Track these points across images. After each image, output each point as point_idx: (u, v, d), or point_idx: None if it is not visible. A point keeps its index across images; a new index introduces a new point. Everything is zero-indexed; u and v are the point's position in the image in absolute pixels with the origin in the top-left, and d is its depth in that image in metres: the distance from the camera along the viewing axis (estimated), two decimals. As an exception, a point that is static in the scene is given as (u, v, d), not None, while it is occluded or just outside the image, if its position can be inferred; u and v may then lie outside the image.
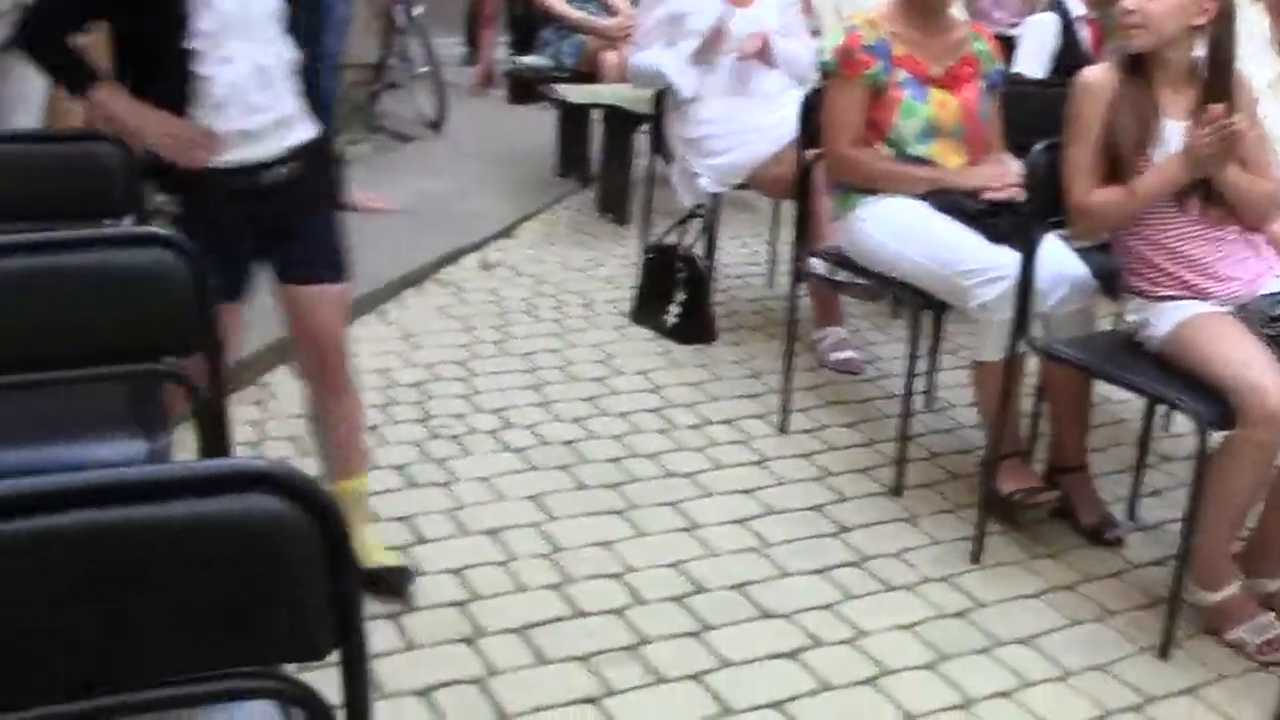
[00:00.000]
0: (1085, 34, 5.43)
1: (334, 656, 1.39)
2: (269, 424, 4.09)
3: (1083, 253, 3.66)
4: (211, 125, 2.79)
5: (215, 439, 2.32)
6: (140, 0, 2.72)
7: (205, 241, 2.72)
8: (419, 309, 5.21)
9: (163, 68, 2.76)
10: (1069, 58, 5.31)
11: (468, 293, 5.44)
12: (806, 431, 4.27)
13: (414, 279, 5.46)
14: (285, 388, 4.34)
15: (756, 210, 6.58)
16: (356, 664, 1.41)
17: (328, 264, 3.06)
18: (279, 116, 2.88)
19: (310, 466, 3.48)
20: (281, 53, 2.86)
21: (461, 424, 4.17)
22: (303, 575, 1.31)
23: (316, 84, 3.03)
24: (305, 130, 2.95)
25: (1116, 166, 3.27)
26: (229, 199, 2.85)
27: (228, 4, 2.74)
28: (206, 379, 2.28)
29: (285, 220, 2.95)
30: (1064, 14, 5.43)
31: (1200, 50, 3.28)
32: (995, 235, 3.65)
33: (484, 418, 4.23)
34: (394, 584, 3.15)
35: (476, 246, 5.93)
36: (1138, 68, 3.29)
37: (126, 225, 2.84)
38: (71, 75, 2.89)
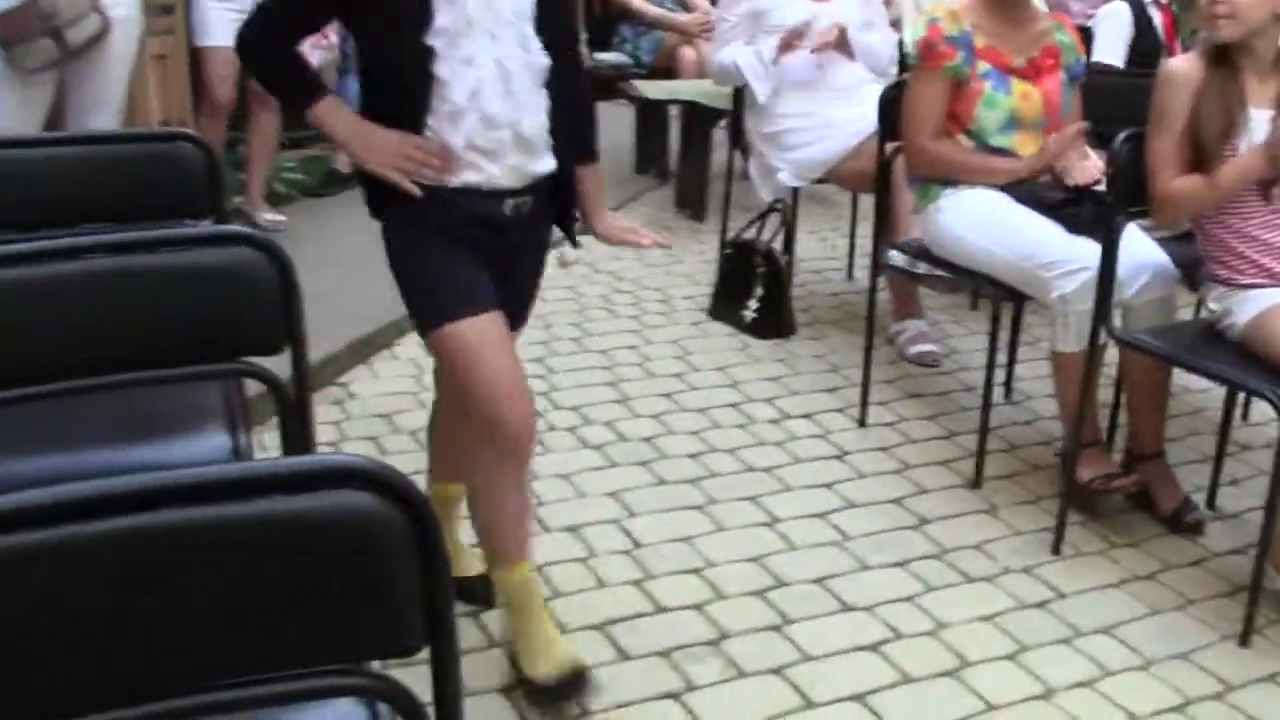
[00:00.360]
0: (1158, 20, 5.39)
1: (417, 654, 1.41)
2: (348, 424, 4.14)
3: (1163, 242, 3.64)
4: (446, 138, 2.53)
5: (299, 438, 2.35)
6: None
7: (434, 255, 2.60)
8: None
9: (398, 69, 2.52)
10: (1144, 45, 5.29)
11: (545, 290, 5.41)
12: (886, 425, 4.26)
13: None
14: (365, 387, 4.40)
15: (835, 204, 6.57)
16: (448, 661, 1.41)
17: (518, 313, 2.83)
18: (521, 134, 2.58)
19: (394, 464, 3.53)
20: (530, 58, 2.58)
21: (540, 421, 4.19)
22: (395, 572, 1.32)
23: (572, 96, 2.72)
24: (549, 159, 2.67)
25: (1201, 156, 3.25)
26: (461, 224, 2.59)
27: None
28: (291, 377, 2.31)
29: (506, 258, 2.70)
30: (1136, 2, 5.39)
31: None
32: (1076, 225, 3.63)
33: (563, 415, 4.26)
34: (479, 591, 3.12)
35: (554, 244, 5.92)
36: (1223, 57, 3.26)
37: (208, 225, 2.85)
38: (290, 89, 2.70)
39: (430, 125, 2.53)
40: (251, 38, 2.62)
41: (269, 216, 5.71)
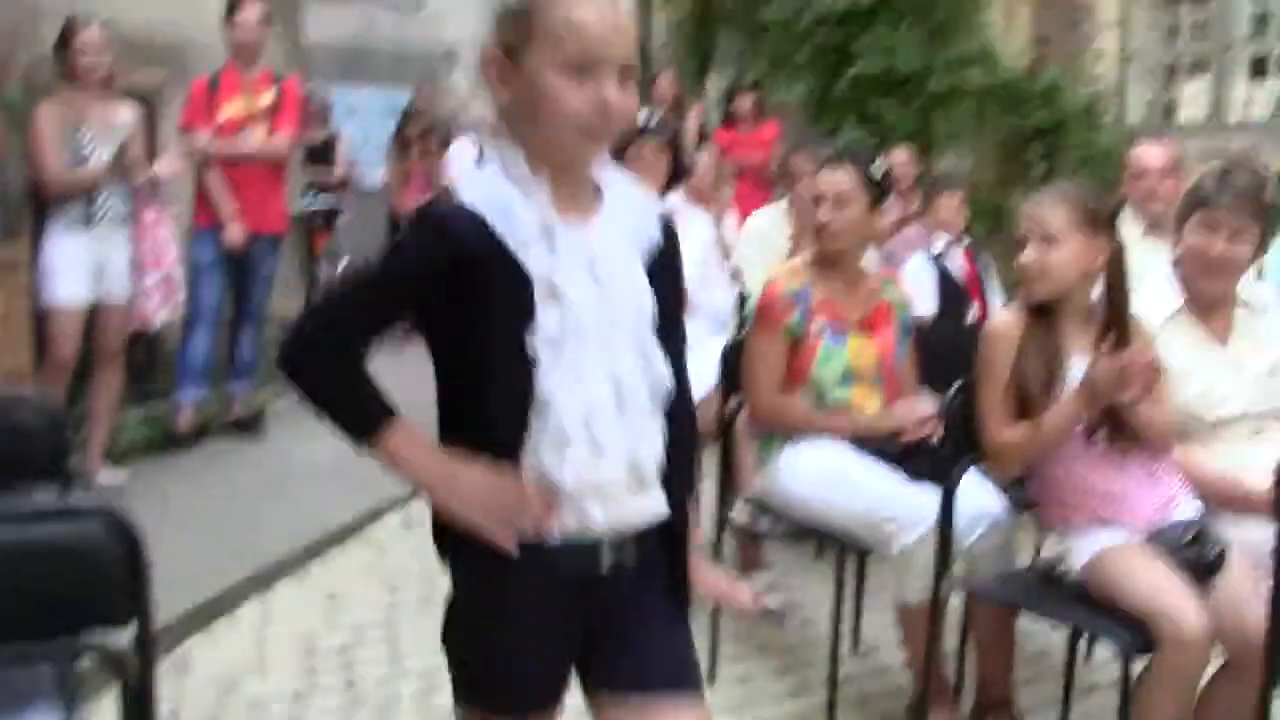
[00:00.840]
0: (959, 262, 5.71)
1: None
2: (187, 694, 4.00)
3: (1002, 486, 3.73)
4: (549, 470, 2.03)
5: (140, 716, 2.26)
6: (463, 292, 2.02)
7: (511, 638, 2.10)
8: (342, 569, 5.15)
9: (489, 384, 2.04)
10: (948, 288, 5.63)
11: (391, 551, 5.40)
12: (735, 681, 4.23)
13: (336, 538, 5.42)
14: (205, 653, 4.26)
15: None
16: None
17: (672, 667, 2.19)
18: (637, 467, 2.10)
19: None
20: (650, 372, 2.12)
21: (386, 689, 4.09)
22: None
23: (680, 414, 2.21)
24: (660, 498, 2.16)
25: (1028, 406, 3.37)
26: (552, 587, 2.09)
27: (584, 295, 2.05)
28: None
29: (616, 621, 2.15)
30: (934, 251, 5.74)
31: (1098, 291, 3.43)
32: (915, 474, 3.72)
33: (408, 682, 4.15)
34: None
35: (401, 502, 5.89)
36: (1041, 312, 3.42)
37: (50, 492, 2.76)
38: (352, 415, 2.11)
39: (529, 456, 2.05)
40: (302, 349, 2.13)
41: (109, 475, 5.59)
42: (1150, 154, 5.44)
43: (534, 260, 2.03)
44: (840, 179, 4.04)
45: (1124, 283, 3.41)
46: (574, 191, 2.11)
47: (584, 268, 2.06)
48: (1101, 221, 3.40)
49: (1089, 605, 3.25)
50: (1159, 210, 5.17)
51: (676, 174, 5.28)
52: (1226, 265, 3.64)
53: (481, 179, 2.09)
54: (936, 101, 8.90)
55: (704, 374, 4.60)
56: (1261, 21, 7.65)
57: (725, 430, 4.26)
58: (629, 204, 2.18)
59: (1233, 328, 3.73)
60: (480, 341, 2.03)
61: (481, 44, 2.13)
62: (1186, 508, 3.35)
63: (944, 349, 4.27)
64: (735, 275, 5.74)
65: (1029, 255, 3.38)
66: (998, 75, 8.67)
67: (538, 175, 2.07)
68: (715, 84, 10.46)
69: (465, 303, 2.02)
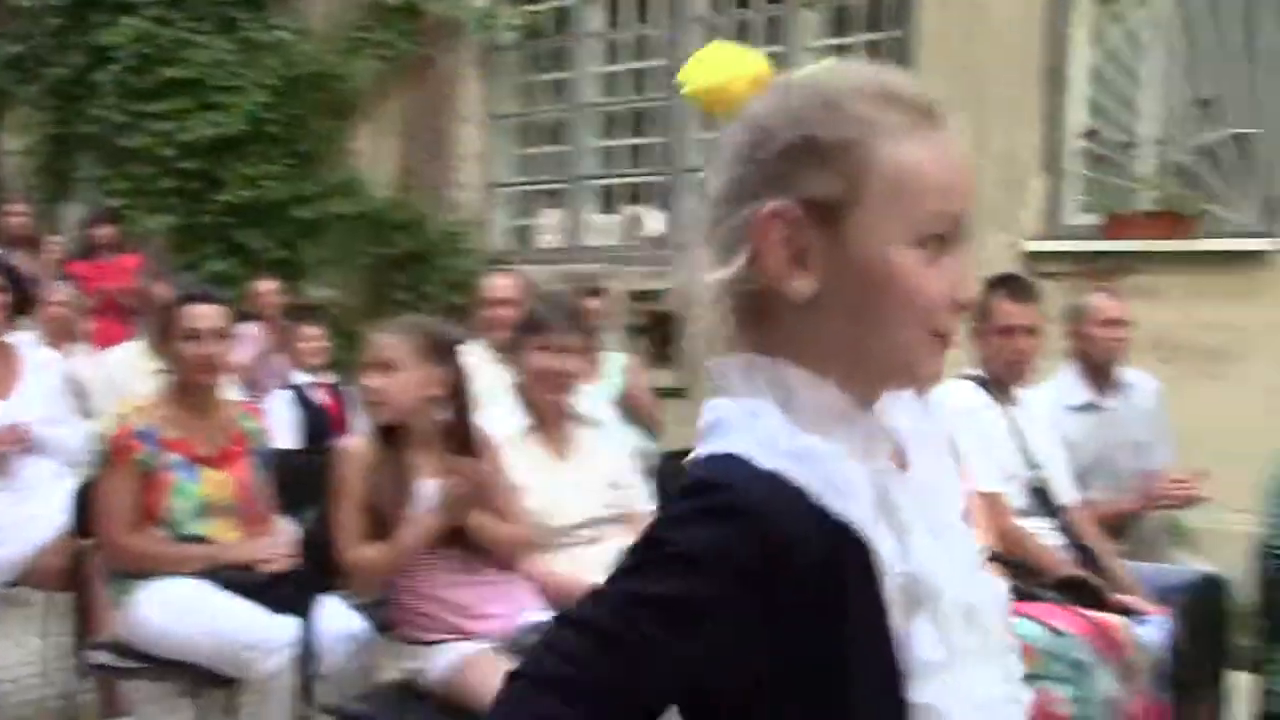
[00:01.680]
0: (320, 397, 5.85)
1: None
2: None
3: (363, 606, 3.80)
4: None
5: None
6: (797, 616, 1.25)
7: None
8: None
9: None
10: (314, 423, 5.76)
11: None
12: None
13: None
14: None
15: (28, 604, 6.25)
16: None
17: None
18: None
19: None
20: (1022, 698, 1.44)
21: None
22: None
23: None
24: None
25: (381, 526, 3.47)
26: None
27: (954, 593, 1.34)
28: None
29: None
30: (296, 386, 5.84)
31: (446, 413, 3.59)
32: (278, 605, 3.72)
33: None
34: None
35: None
36: (390, 435, 3.55)
37: None
38: None
39: None
40: None
41: None
42: (496, 284, 5.77)
43: (884, 546, 1.31)
44: (211, 313, 4.07)
45: (467, 406, 3.61)
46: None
47: (941, 549, 1.36)
48: (442, 350, 3.59)
49: (450, 715, 3.36)
50: (503, 336, 5.48)
51: (24, 307, 5.06)
52: (561, 380, 3.93)
53: (772, 428, 1.31)
54: (304, 230, 9.00)
55: (55, 515, 4.43)
56: (608, 157, 8.43)
57: (76, 572, 4.10)
58: (928, 435, 1.46)
59: (571, 442, 4.01)
60: (823, 693, 1.29)
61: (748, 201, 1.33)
62: (537, 613, 3.55)
63: (300, 476, 4.33)
64: (89, 412, 5.54)
65: (370, 381, 3.51)
66: (365, 204, 8.88)
67: (862, 408, 1.37)
68: (74, 212, 10.03)
69: (795, 633, 1.27)
